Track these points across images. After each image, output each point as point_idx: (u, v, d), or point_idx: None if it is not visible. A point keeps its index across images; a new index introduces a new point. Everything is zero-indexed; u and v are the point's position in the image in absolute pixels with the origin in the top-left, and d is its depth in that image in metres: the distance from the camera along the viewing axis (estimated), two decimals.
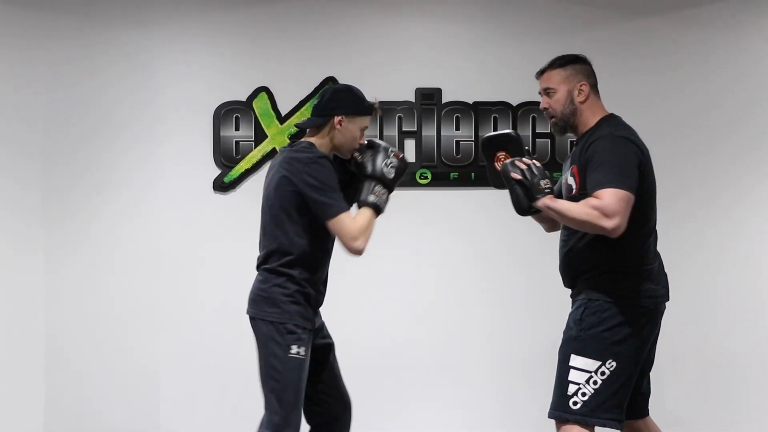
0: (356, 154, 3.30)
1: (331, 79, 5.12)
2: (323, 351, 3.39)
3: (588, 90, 3.24)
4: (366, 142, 3.33)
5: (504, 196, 5.18)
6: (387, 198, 3.26)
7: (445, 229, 5.15)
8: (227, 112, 5.13)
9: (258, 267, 3.34)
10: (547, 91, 3.30)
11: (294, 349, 3.18)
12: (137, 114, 5.14)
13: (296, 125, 3.56)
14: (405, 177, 3.39)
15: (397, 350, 5.09)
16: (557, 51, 5.07)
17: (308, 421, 3.42)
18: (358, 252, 3.17)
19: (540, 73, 3.34)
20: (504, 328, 5.12)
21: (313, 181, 3.13)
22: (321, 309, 3.40)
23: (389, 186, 3.26)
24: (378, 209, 3.23)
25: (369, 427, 5.03)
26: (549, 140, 5.12)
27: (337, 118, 3.25)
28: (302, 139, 3.35)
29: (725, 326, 5.13)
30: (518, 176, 3.14)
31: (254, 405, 5.19)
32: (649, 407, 3.43)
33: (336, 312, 5.12)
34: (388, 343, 5.07)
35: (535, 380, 5.01)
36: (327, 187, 3.13)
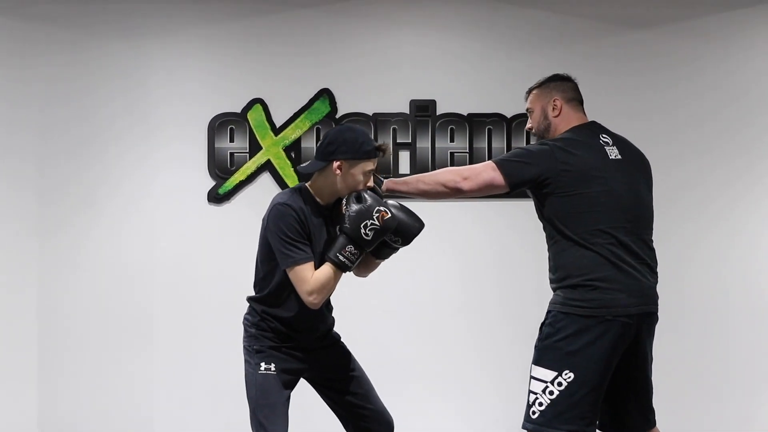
0: (343, 203, 3.15)
1: (325, 91, 5.13)
2: (343, 381, 3.37)
3: (561, 104, 3.34)
4: (358, 192, 3.15)
5: (499, 206, 5.22)
6: (359, 257, 3.11)
7: (439, 240, 5.15)
8: (222, 124, 5.14)
9: None
10: (528, 112, 3.47)
11: (263, 366, 3.22)
12: (132, 125, 5.14)
13: (297, 169, 3.43)
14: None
15: (391, 360, 5.07)
16: (551, 64, 5.12)
17: None
18: (312, 306, 3.12)
19: (526, 96, 3.49)
20: (498, 337, 5.11)
21: (274, 228, 3.11)
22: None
23: (362, 247, 3.09)
24: (343, 268, 3.10)
25: None
26: None
27: (336, 163, 3.12)
28: (303, 183, 3.30)
29: (722, 330, 5.14)
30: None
31: (247, 411, 5.21)
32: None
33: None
34: (382, 353, 5.06)
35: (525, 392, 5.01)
36: (286, 237, 3.07)
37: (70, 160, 5.12)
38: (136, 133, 5.13)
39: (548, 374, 3.08)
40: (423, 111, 5.17)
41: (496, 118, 5.16)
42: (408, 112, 5.17)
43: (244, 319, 3.35)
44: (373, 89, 5.16)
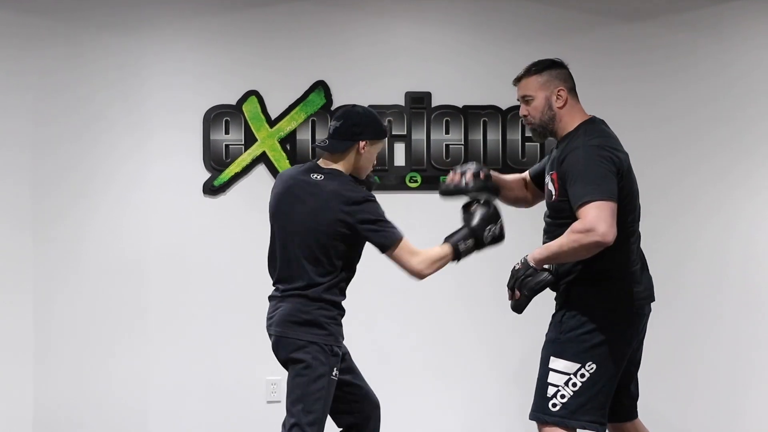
0: (474, 204, 3.37)
1: (320, 83, 5.13)
2: (345, 360, 3.41)
3: (566, 95, 3.23)
4: (487, 200, 3.38)
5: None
6: (469, 254, 3.34)
7: (434, 232, 5.13)
8: (217, 116, 5.13)
9: (288, 293, 3.29)
10: (525, 99, 3.27)
11: (335, 371, 3.24)
12: (127, 117, 5.13)
13: (317, 146, 3.44)
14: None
15: (386, 354, 5.09)
16: (546, 55, 5.08)
17: (339, 425, 3.46)
18: (420, 276, 3.29)
19: (517, 81, 3.31)
20: (493, 330, 5.12)
21: (370, 217, 3.21)
22: None
23: (479, 246, 3.34)
24: (457, 256, 3.30)
25: None
26: (538, 144, 5.14)
27: (362, 143, 3.28)
28: (322, 162, 3.35)
29: (717, 327, 5.16)
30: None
31: (242, 408, 5.22)
32: (638, 409, 3.44)
33: None
34: (376, 347, 5.07)
35: (525, 382, 5.03)
36: (383, 220, 3.24)
37: (64, 152, 5.11)
38: (131, 125, 5.13)
39: (571, 366, 3.08)
40: (418, 103, 5.17)
41: (492, 110, 5.16)
42: (403, 104, 5.17)
43: (317, 313, 3.24)
44: (368, 81, 5.16)
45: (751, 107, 5.21)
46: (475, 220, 3.31)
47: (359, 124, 3.27)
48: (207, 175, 5.13)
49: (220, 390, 5.06)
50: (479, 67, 5.21)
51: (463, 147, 5.14)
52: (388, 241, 3.21)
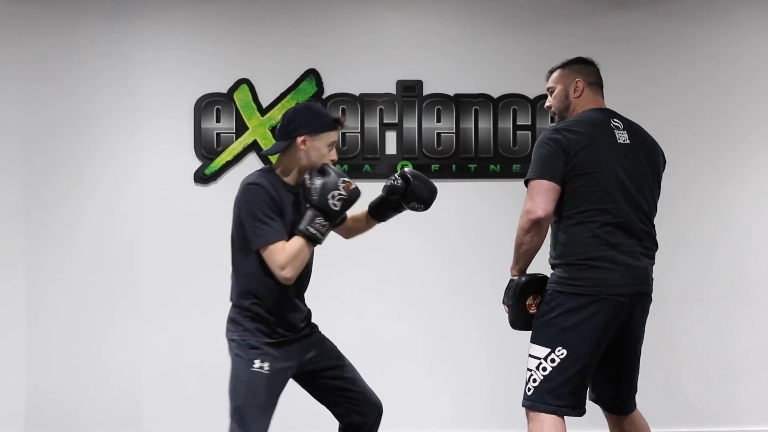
0: (306, 177, 3.17)
1: (312, 71, 5.13)
2: (332, 369, 3.38)
3: (583, 86, 3.40)
4: (321, 166, 3.20)
5: (485, 187, 5.25)
6: (328, 229, 3.14)
7: (426, 220, 5.16)
8: (208, 104, 5.12)
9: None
10: (549, 90, 3.49)
11: (257, 363, 3.16)
12: (118, 105, 5.12)
13: (261, 153, 3.45)
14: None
15: (378, 343, 5.10)
16: (538, 45, 5.14)
17: (341, 421, 3.45)
18: (285, 280, 3.10)
19: (548, 75, 3.52)
20: (485, 319, 5.14)
21: (246, 208, 3.11)
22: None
23: (331, 218, 3.12)
24: (314, 240, 3.12)
25: None
26: (529, 132, 5.15)
27: (299, 138, 3.18)
28: (267, 165, 3.32)
29: (709, 321, 5.19)
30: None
31: None
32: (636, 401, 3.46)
33: (318, 306, 5.15)
34: (369, 336, 5.09)
35: (518, 371, 5.05)
36: (258, 214, 3.08)
37: (56, 142, 5.10)
38: (123, 114, 5.12)
39: (542, 351, 3.14)
40: (410, 91, 5.17)
41: (483, 99, 5.17)
42: (395, 92, 5.17)
43: (235, 315, 3.26)
44: (359, 69, 5.16)
45: (741, 94, 5.23)
46: (312, 195, 3.10)
47: (294, 121, 3.20)
48: (198, 163, 5.12)
49: (214, 377, 5.05)
50: (471, 56, 5.21)
51: (454, 135, 5.15)
52: (253, 242, 3.12)
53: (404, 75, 5.17)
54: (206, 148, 5.12)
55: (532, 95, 5.11)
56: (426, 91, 5.17)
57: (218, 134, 5.12)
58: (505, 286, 3.36)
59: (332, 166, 3.20)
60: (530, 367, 3.17)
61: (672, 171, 5.19)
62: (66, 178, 5.10)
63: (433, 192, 3.53)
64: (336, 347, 3.44)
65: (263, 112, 5.13)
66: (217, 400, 5.06)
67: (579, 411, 3.16)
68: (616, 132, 3.27)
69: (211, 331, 5.03)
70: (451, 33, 5.22)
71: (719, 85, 5.24)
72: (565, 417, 3.15)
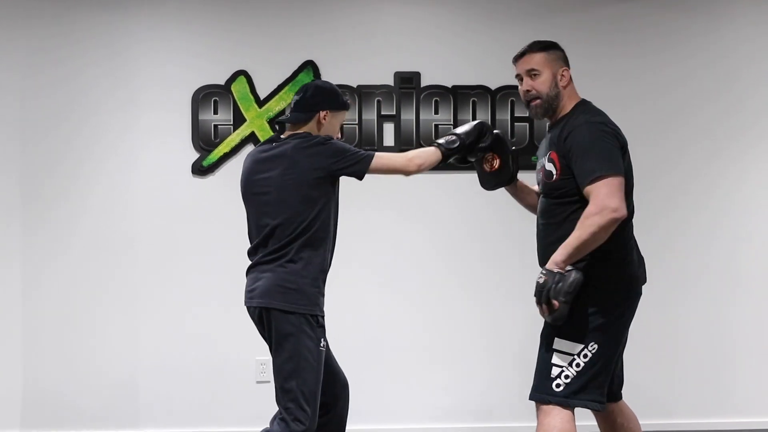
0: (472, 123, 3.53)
1: (309, 63, 5.12)
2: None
3: (569, 76, 3.27)
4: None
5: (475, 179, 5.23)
6: (456, 150, 3.46)
7: (424, 212, 5.16)
8: (206, 96, 5.11)
9: (265, 258, 3.31)
10: (530, 73, 3.26)
11: (323, 342, 3.26)
12: (115, 97, 5.11)
13: (280, 120, 3.55)
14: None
15: (377, 335, 5.11)
16: (536, 35, 5.08)
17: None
18: (409, 169, 3.40)
19: (520, 56, 3.32)
20: (483, 312, 5.15)
21: (336, 152, 3.26)
22: None
23: (463, 149, 3.47)
24: (445, 155, 3.45)
25: (353, 411, 5.06)
26: (527, 124, 5.15)
27: (322, 113, 3.38)
28: (284, 135, 3.41)
29: (706, 313, 5.20)
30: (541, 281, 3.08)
31: (233, 392, 5.23)
32: (624, 389, 3.46)
33: None
34: (366, 328, 5.09)
35: (517, 364, 5.06)
36: (346, 149, 3.29)
37: (51, 134, 5.09)
38: (120, 106, 5.11)
39: (575, 347, 3.09)
40: (407, 83, 5.17)
41: (481, 91, 5.16)
42: (392, 84, 5.16)
43: (291, 277, 3.23)
44: (357, 61, 5.15)
45: (739, 85, 5.24)
46: (462, 129, 3.50)
47: (318, 95, 3.41)
48: (196, 155, 5.12)
49: (210, 370, 5.07)
50: (469, 47, 5.20)
51: (452, 127, 5.13)
52: (363, 165, 3.30)
53: (402, 66, 5.16)
54: (204, 139, 5.11)
55: None
56: (424, 82, 5.16)
57: (216, 126, 5.11)
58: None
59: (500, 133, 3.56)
60: (559, 363, 3.10)
61: (672, 164, 5.22)
62: (63, 171, 5.09)
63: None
64: None
65: (261, 103, 5.12)
66: (214, 393, 5.08)
67: (603, 405, 3.16)
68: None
69: (209, 324, 5.06)
70: (449, 24, 5.21)
71: (717, 75, 5.23)
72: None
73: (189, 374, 5.08)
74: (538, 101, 3.26)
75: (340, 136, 3.48)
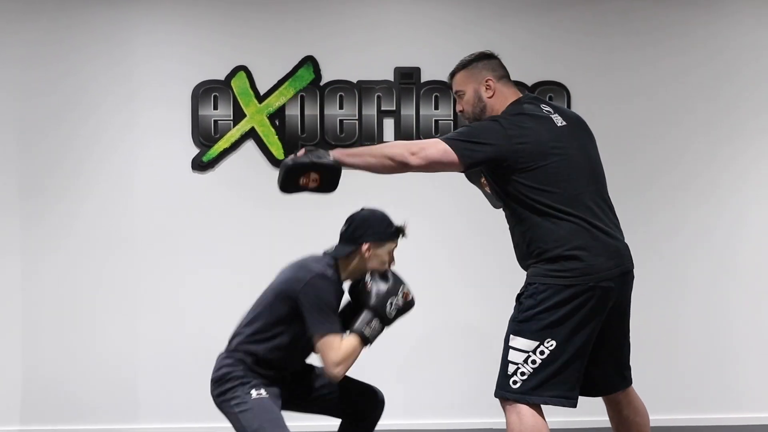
0: (367, 279, 3.35)
1: (309, 58, 5.11)
2: (320, 391, 3.51)
3: (494, 84, 3.27)
4: (383, 270, 3.39)
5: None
6: (379, 333, 3.32)
7: (422, 207, 5.16)
8: (205, 91, 5.11)
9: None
10: (457, 94, 3.36)
11: (254, 393, 3.29)
12: (115, 93, 5.11)
13: (327, 254, 3.52)
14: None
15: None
16: (535, 30, 5.10)
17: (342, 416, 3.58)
18: (334, 378, 3.24)
19: (449, 78, 3.40)
20: (479, 307, 5.15)
21: (314, 296, 3.22)
22: None
23: (385, 324, 3.32)
24: (366, 342, 3.28)
25: None
26: None
27: (364, 246, 3.36)
28: (330, 258, 3.41)
29: (707, 308, 5.20)
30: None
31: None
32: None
33: None
34: None
35: None
36: (325, 307, 3.23)
37: (51, 130, 5.09)
38: (120, 101, 5.11)
39: (530, 344, 3.07)
40: (407, 78, 5.16)
41: None
42: (392, 79, 5.16)
43: (221, 372, 3.39)
44: (357, 56, 5.14)
45: (736, 79, 5.23)
46: (372, 299, 3.30)
47: (360, 227, 3.39)
48: (196, 150, 5.12)
49: (209, 365, 5.05)
50: (469, 42, 5.18)
51: (452, 122, 5.14)
52: (313, 330, 3.23)
53: (402, 62, 5.16)
54: (204, 135, 5.11)
55: (529, 82, 5.10)
56: (424, 78, 5.16)
57: (216, 121, 5.11)
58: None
59: (394, 273, 3.41)
60: (515, 360, 3.10)
61: (673, 160, 5.22)
62: (63, 168, 5.09)
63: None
64: (317, 368, 3.53)
65: (261, 99, 5.12)
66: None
67: (572, 402, 3.11)
68: (552, 116, 3.19)
69: (208, 319, 5.06)
70: (449, 19, 5.21)
71: (717, 69, 5.23)
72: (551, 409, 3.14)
73: (189, 369, 5.07)
74: (468, 119, 3.34)
75: (393, 264, 3.44)
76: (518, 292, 3.21)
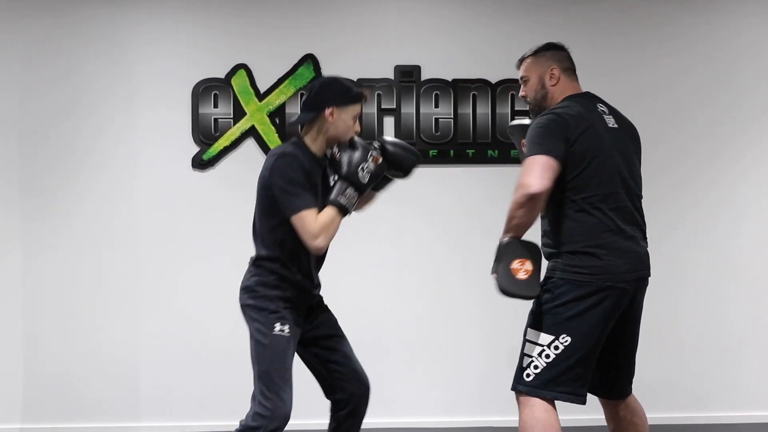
0: (335, 150, 3.31)
1: (309, 57, 5.11)
2: (327, 339, 3.45)
3: (559, 73, 3.34)
4: (350, 139, 3.33)
5: (483, 172, 5.24)
6: (356, 200, 3.26)
7: (424, 206, 5.16)
8: (206, 90, 5.11)
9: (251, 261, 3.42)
10: (522, 80, 3.43)
11: (277, 326, 3.25)
12: (115, 92, 5.11)
13: (290, 124, 3.54)
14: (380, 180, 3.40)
15: (376, 328, 5.11)
16: (536, 28, 5.11)
17: (328, 396, 3.49)
18: (316, 250, 3.20)
19: (518, 64, 3.46)
20: (483, 305, 5.14)
21: (280, 178, 3.17)
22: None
23: (360, 189, 3.26)
24: (344, 211, 3.23)
25: None
26: (528, 118, 5.14)
27: (327, 110, 3.28)
28: (295, 137, 3.38)
29: (701, 306, 5.20)
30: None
31: (234, 385, 5.24)
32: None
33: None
34: (367, 320, 5.09)
35: (515, 358, 5.07)
36: (292, 184, 3.16)
37: (52, 130, 5.09)
38: (120, 99, 5.11)
39: (545, 338, 3.11)
40: (407, 76, 5.16)
41: (481, 84, 5.16)
42: (392, 77, 5.16)
43: (252, 280, 3.33)
44: (357, 54, 5.14)
45: (735, 77, 5.23)
46: (344, 168, 3.24)
47: (322, 93, 3.31)
48: (196, 149, 5.11)
49: (211, 362, 5.07)
50: (469, 41, 5.20)
51: (452, 121, 5.14)
52: (287, 209, 3.18)
53: (402, 60, 5.16)
54: (204, 133, 5.11)
55: None
56: (424, 76, 5.16)
57: (216, 120, 5.11)
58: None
59: (360, 140, 3.34)
60: (530, 353, 3.14)
61: (674, 158, 5.22)
62: (63, 167, 5.09)
63: (410, 158, 3.47)
64: (337, 320, 3.50)
65: (261, 97, 5.12)
66: (214, 385, 5.08)
67: (581, 399, 3.15)
68: (605, 117, 3.26)
69: (209, 315, 5.06)
70: (449, 18, 5.20)
71: (717, 69, 5.23)
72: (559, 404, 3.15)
73: (190, 367, 5.08)
74: (529, 104, 3.45)
75: (357, 130, 3.36)
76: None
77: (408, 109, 5.15)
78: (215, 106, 5.11)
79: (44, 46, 5.08)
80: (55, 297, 5.07)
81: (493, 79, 5.15)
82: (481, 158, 5.14)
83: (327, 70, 5.11)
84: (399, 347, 5.14)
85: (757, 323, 5.22)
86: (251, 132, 5.11)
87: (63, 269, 5.08)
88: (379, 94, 5.14)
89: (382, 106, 5.14)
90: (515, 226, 3.17)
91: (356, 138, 3.35)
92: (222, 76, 5.11)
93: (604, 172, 3.16)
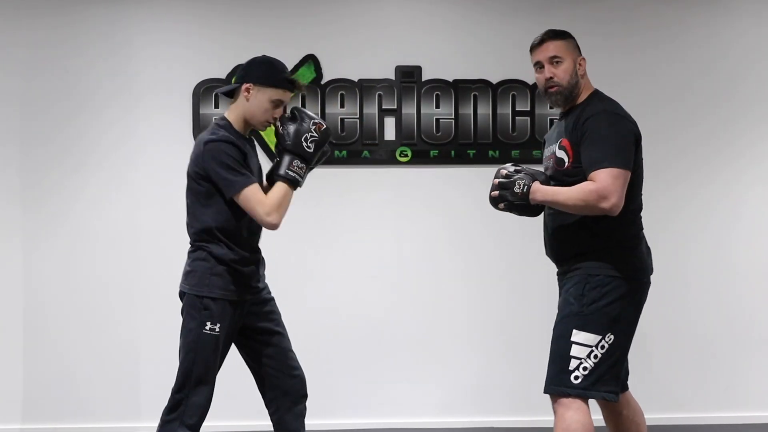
0: (277, 124, 3.22)
1: (310, 57, 5.11)
2: (267, 332, 3.36)
3: (585, 65, 3.26)
4: (287, 113, 3.25)
5: (484, 173, 5.22)
6: (306, 172, 3.20)
7: (425, 206, 5.16)
8: (206, 90, 5.11)
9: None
10: (553, 60, 3.21)
11: (208, 325, 3.19)
12: (116, 93, 5.11)
13: (217, 91, 3.49)
14: (330, 148, 3.31)
15: (376, 327, 5.10)
16: (537, 29, 5.07)
17: (262, 397, 3.43)
18: (272, 226, 3.14)
19: (540, 43, 3.24)
20: (482, 305, 5.14)
21: (214, 160, 3.10)
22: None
23: (308, 160, 3.19)
24: (294, 183, 3.17)
25: (348, 405, 5.06)
26: (528, 118, 5.14)
27: (245, 86, 3.20)
28: (219, 116, 3.33)
29: (698, 304, 5.20)
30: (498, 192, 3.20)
31: (235, 386, 5.24)
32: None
33: (315, 289, 5.15)
34: (366, 320, 5.09)
35: (513, 358, 5.06)
36: (230, 164, 3.09)
37: (53, 131, 5.09)
38: (120, 101, 5.11)
39: (593, 339, 3.08)
40: (408, 77, 5.16)
41: (482, 85, 5.16)
42: (393, 78, 5.16)
43: (194, 265, 3.22)
44: (358, 55, 5.14)
45: (738, 81, 5.22)
46: (287, 141, 3.17)
47: (247, 68, 3.24)
48: None
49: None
50: (470, 41, 5.20)
51: (453, 121, 5.14)
52: (228, 190, 3.10)
53: (403, 60, 5.16)
54: None
55: (531, 81, 5.09)
56: (425, 76, 5.16)
57: None
58: (513, 178, 3.17)
59: (303, 110, 3.25)
60: (578, 356, 3.08)
61: (664, 169, 5.22)
62: (63, 167, 5.09)
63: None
64: (279, 315, 3.41)
65: None
66: (216, 386, 5.07)
67: (618, 396, 3.18)
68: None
69: None
70: (450, 18, 5.21)
71: (720, 76, 5.23)
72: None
73: None
74: (557, 88, 3.21)
75: (276, 116, 3.22)
76: (573, 283, 3.16)
77: (409, 110, 5.15)
78: (216, 106, 5.11)
79: (45, 48, 5.08)
80: (55, 298, 5.07)
81: (494, 80, 5.15)
82: (481, 159, 5.13)
83: (328, 71, 5.11)
84: (398, 347, 5.13)
85: (758, 321, 5.20)
86: (252, 132, 5.09)
87: (63, 271, 5.07)
88: (380, 95, 5.14)
89: (383, 107, 5.13)
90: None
91: (298, 109, 3.25)
92: (223, 76, 5.11)
93: (642, 180, 3.22)
